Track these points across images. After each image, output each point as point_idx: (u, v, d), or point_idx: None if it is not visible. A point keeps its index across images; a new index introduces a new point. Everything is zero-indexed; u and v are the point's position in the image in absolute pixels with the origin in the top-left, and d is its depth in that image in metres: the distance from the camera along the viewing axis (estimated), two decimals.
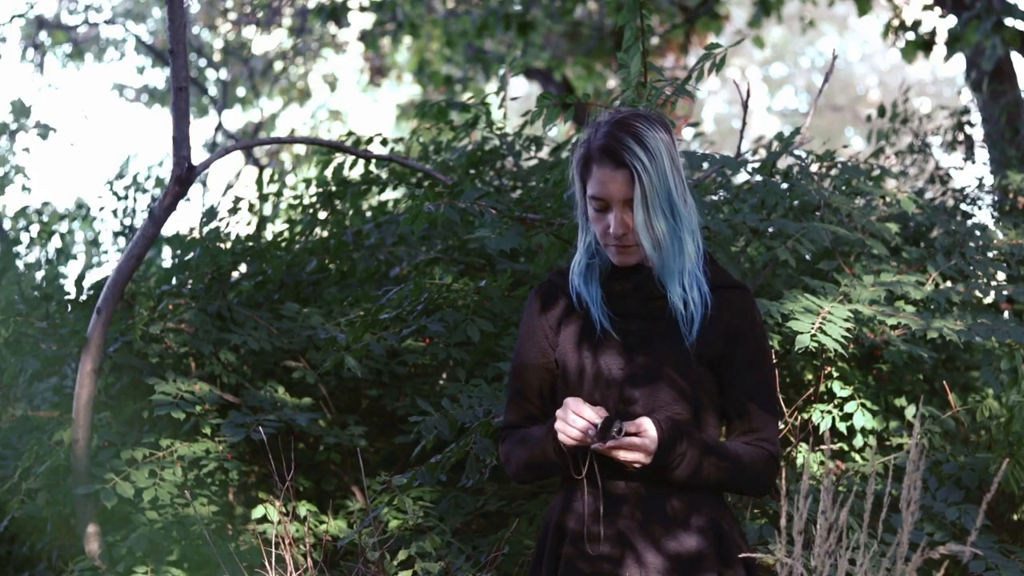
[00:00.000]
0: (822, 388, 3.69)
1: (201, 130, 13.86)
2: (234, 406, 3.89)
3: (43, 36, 12.21)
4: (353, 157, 4.55)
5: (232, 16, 12.65)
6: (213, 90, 12.85)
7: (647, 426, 2.33)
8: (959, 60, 7.45)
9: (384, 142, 4.70)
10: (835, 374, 3.70)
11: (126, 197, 5.60)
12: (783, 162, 4.03)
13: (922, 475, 2.87)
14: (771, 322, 3.34)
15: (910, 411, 3.78)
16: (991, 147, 6.55)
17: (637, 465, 2.35)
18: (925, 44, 7.56)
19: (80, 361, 3.79)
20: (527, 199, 3.94)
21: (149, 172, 5.57)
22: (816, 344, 3.12)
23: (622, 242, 2.43)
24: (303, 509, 3.74)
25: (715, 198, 3.92)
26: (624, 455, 2.33)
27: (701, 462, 2.38)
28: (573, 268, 2.52)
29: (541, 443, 2.45)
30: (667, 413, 2.40)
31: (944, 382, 3.87)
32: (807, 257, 4.04)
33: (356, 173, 4.65)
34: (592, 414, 2.33)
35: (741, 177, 4.12)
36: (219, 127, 12.49)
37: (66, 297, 4.30)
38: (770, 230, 3.74)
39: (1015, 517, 3.61)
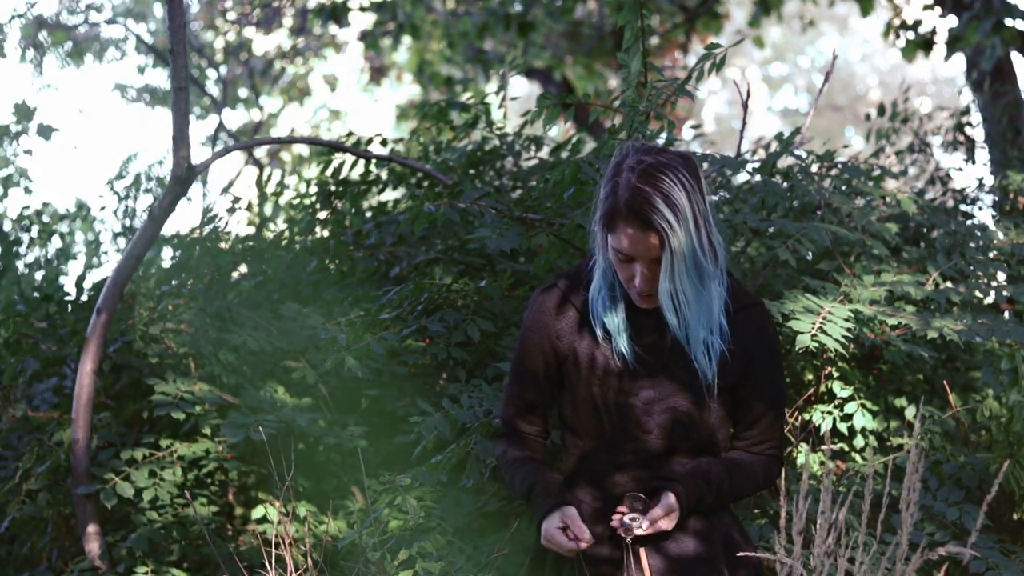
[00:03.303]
0: (822, 388, 3.69)
1: (201, 130, 13.84)
2: (234, 406, 3.88)
3: (43, 36, 12.20)
4: (353, 157, 4.55)
5: (232, 16, 12.64)
6: (213, 90, 12.85)
7: (668, 502, 2.38)
8: (959, 60, 7.45)
9: (384, 142, 4.70)
10: (835, 374, 3.70)
11: (127, 197, 5.60)
12: (783, 162, 4.03)
13: (922, 475, 2.87)
14: None
15: (910, 411, 3.78)
16: (991, 147, 6.55)
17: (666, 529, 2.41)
18: (925, 44, 7.57)
19: (80, 361, 3.79)
20: (527, 199, 3.94)
21: (150, 172, 5.57)
22: (816, 344, 3.12)
23: (647, 292, 2.41)
24: (303, 509, 3.74)
25: (715, 198, 3.92)
26: (657, 524, 2.39)
27: (718, 501, 2.46)
28: (593, 295, 2.48)
29: (536, 505, 2.48)
30: (669, 404, 2.40)
31: (944, 382, 3.87)
32: (807, 257, 4.04)
33: (356, 173, 4.65)
34: (585, 531, 2.38)
35: (741, 177, 4.12)
36: (219, 127, 12.49)
37: (66, 297, 4.30)
38: (770, 230, 3.74)
39: (1015, 517, 3.61)
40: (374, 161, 4.55)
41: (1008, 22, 6.88)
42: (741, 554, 2.41)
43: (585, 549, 2.38)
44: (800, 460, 3.59)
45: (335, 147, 4.42)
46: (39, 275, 4.95)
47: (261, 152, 12.98)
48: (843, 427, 3.66)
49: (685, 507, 2.38)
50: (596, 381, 2.43)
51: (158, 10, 12.71)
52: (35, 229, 5.87)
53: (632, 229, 2.33)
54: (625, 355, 2.42)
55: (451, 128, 4.56)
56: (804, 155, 3.92)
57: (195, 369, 4.06)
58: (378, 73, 13.97)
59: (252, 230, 5.09)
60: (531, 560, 2.56)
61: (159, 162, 5.70)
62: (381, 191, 4.68)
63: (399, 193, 4.93)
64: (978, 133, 6.28)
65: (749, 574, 2.45)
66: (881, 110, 6.06)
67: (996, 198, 5.05)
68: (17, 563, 4.18)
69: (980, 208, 4.99)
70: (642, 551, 2.37)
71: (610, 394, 2.42)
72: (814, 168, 3.98)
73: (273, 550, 3.12)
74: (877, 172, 4.38)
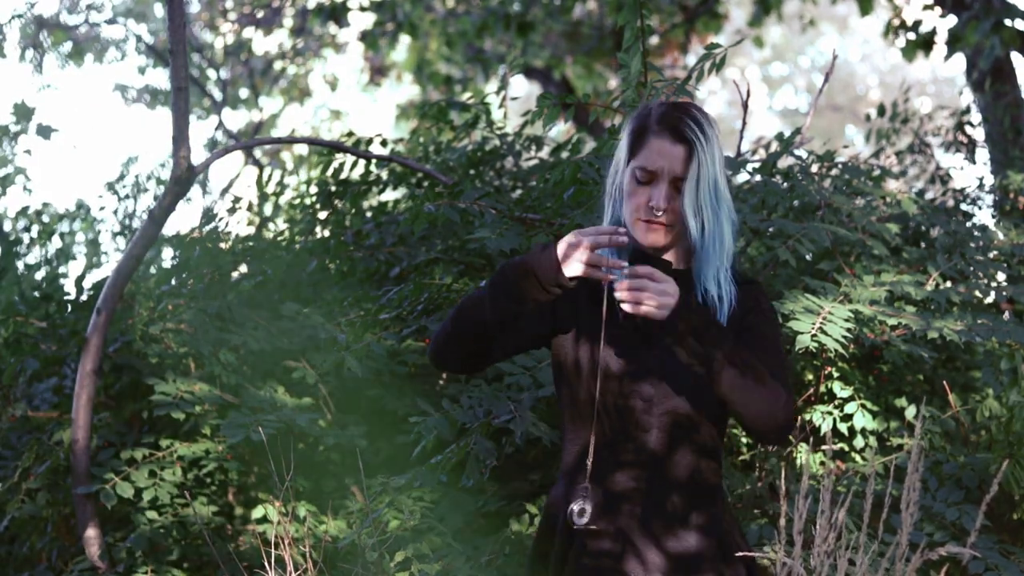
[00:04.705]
0: (822, 389, 3.69)
1: (202, 131, 13.86)
2: (234, 406, 3.88)
3: (43, 36, 12.20)
4: (353, 157, 4.55)
5: (232, 16, 12.65)
6: (213, 90, 12.85)
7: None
8: (959, 60, 7.45)
9: (384, 142, 4.70)
10: (835, 374, 3.70)
11: (127, 197, 5.61)
12: (783, 162, 4.03)
13: (922, 475, 2.87)
14: None
15: (910, 411, 3.78)
16: (992, 147, 6.55)
17: (665, 311, 2.25)
18: (925, 44, 7.57)
19: (80, 361, 3.79)
20: (527, 199, 3.94)
21: (151, 173, 5.57)
22: (816, 344, 3.12)
23: (657, 219, 2.37)
24: (303, 509, 3.74)
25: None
26: (650, 297, 2.23)
27: (722, 334, 2.29)
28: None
29: (516, 272, 2.31)
30: (667, 407, 2.39)
31: (944, 382, 3.87)
32: (807, 257, 4.04)
33: (356, 173, 4.65)
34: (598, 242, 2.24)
35: (741, 177, 4.12)
36: (219, 127, 12.49)
37: (66, 297, 4.30)
38: (770, 230, 3.74)
39: (1015, 517, 3.61)
40: (374, 161, 4.55)
41: (1008, 22, 6.88)
42: (740, 554, 2.40)
43: (586, 545, 2.39)
44: (800, 460, 3.59)
45: (335, 147, 4.42)
46: (39, 275, 4.95)
47: (261, 152, 12.98)
48: (843, 427, 3.66)
49: (682, 296, 2.25)
50: (595, 383, 2.43)
51: (158, 10, 12.71)
52: (35, 229, 5.88)
53: (662, 140, 2.36)
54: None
55: (451, 128, 4.56)
56: (804, 155, 3.92)
57: (195, 369, 4.06)
58: (378, 73, 13.97)
59: (252, 230, 5.09)
60: (533, 555, 2.55)
61: (161, 165, 5.70)
62: (381, 191, 4.68)
63: (399, 193, 4.93)
64: (978, 133, 6.28)
65: (744, 572, 2.44)
66: (881, 110, 6.06)
67: (996, 198, 5.05)
68: (17, 563, 4.18)
69: (980, 208, 4.99)
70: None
71: (609, 396, 2.42)
72: (814, 168, 3.98)
73: (273, 550, 3.12)
74: (877, 172, 4.38)
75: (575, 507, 2.38)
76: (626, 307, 2.26)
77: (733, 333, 2.37)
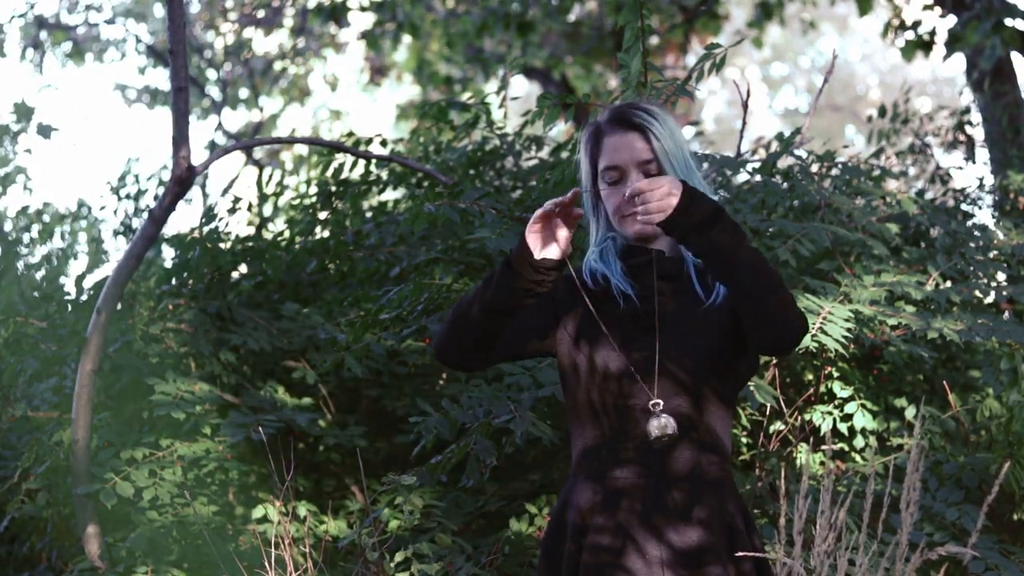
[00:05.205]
0: (822, 388, 3.69)
1: (202, 131, 13.86)
2: (234, 406, 3.89)
3: (43, 36, 12.21)
4: (353, 157, 4.55)
5: (232, 16, 12.65)
6: (213, 90, 12.85)
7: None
8: (959, 60, 7.45)
9: (384, 142, 4.70)
10: (835, 374, 3.70)
11: (128, 197, 5.61)
12: (783, 162, 4.03)
13: (922, 475, 2.87)
14: None
15: (910, 411, 3.78)
16: (992, 147, 6.55)
17: (668, 211, 2.23)
18: (925, 44, 7.57)
19: (80, 361, 3.79)
20: (527, 199, 3.94)
21: (152, 175, 5.57)
22: (816, 344, 3.12)
23: (636, 206, 2.33)
24: (303, 509, 3.74)
25: (715, 198, 3.92)
26: (656, 206, 2.23)
27: (736, 226, 2.28)
28: (588, 256, 2.50)
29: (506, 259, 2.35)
30: (668, 407, 2.40)
31: (944, 382, 3.87)
32: (807, 257, 4.04)
33: (356, 173, 4.65)
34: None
35: (741, 177, 4.12)
36: (219, 127, 12.49)
37: (66, 297, 4.30)
38: (770, 230, 3.74)
39: (1015, 517, 3.61)
40: (374, 161, 4.55)
41: (1008, 22, 6.88)
42: (740, 554, 2.40)
43: (587, 540, 2.39)
44: (800, 460, 3.59)
45: (335, 147, 4.42)
46: (39, 275, 4.95)
47: (261, 152, 12.98)
48: (843, 427, 3.66)
49: (687, 193, 2.25)
50: (595, 386, 2.44)
51: (158, 10, 12.71)
52: (35, 229, 5.88)
53: (615, 135, 2.41)
54: (626, 294, 2.42)
55: (451, 128, 4.56)
56: (804, 155, 3.92)
57: (195, 369, 4.06)
58: (378, 73, 13.97)
59: (252, 230, 5.08)
60: (541, 552, 2.55)
61: (164, 167, 5.70)
62: (381, 191, 4.68)
63: (399, 193, 4.93)
64: (978, 133, 6.28)
65: (753, 565, 2.44)
66: (882, 111, 6.06)
67: (996, 198, 5.05)
68: (17, 563, 4.18)
69: (980, 208, 4.99)
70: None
71: (609, 398, 2.42)
72: (814, 168, 3.98)
73: (273, 550, 3.12)
74: (877, 172, 4.38)
75: (654, 425, 2.34)
76: (646, 228, 2.34)
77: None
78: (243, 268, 4.58)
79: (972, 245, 3.95)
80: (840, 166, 3.96)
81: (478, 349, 2.46)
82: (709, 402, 2.43)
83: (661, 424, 2.36)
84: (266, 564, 3.12)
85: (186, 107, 3.74)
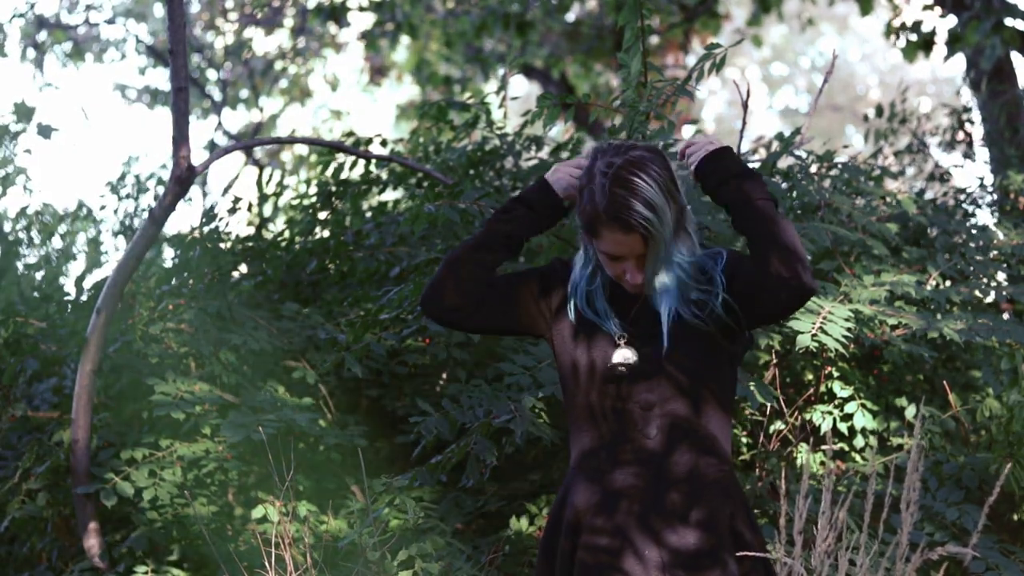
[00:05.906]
0: (822, 388, 3.69)
1: (202, 131, 13.86)
2: (234, 406, 3.88)
3: (43, 36, 12.21)
4: (353, 157, 4.55)
5: (233, 16, 12.65)
6: (214, 91, 12.85)
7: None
8: (959, 60, 7.45)
9: (384, 142, 4.70)
10: (835, 374, 3.70)
11: (128, 197, 5.60)
12: (783, 162, 4.03)
13: (922, 475, 2.87)
14: None
15: (910, 411, 3.78)
16: (991, 147, 6.55)
17: (713, 147, 2.50)
18: (925, 44, 7.56)
19: (80, 361, 3.79)
20: None
21: (152, 175, 5.57)
22: (816, 344, 3.12)
23: (640, 281, 2.46)
24: (303, 509, 3.74)
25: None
26: (701, 147, 2.51)
27: (754, 183, 2.47)
28: (578, 287, 2.52)
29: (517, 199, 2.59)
30: (666, 410, 2.40)
31: (944, 382, 3.87)
32: (807, 257, 4.04)
33: (356, 173, 4.65)
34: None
35: None
36: (219, 127, 12.49)
37: (66, 297, 4.30)
38: None
39: (1015, 517, 3.61)
40: (374, 161, 4.55)
41: (1008, 22, 6.88)
42: (740, 554, 2.40)
43: (585, 540, 2.40)
44: (800, 460, 3.59)
45: (335, 147, 4.42)
46: (39, 275, 4.95)
47: (261, 152, 12.98)
48: (843, 427, 3.66)
49: (726, 147, 2.50)
50: (594, 389, 2.44)
51: (158, 10, 12.71)
52: (35, 229, 5.87)
53: (615, 234, 2.40)
54: (615, 331, 2.46)
55: (451, 128, 4.56)
56: (804, 155, 3.92)
57: (195, 369, 4.06)
58: (378, 73, 13.97)
59: (252, 230, 5.08)
60: (539, 551, 2.55)
61: (163, 166, 5.70)
62: (381, 191, 4.68)
63: (399, 193, 4.93)
64: (977, 132, 6.28)
65: (756, 565, 2.43)
66: (879, 110, 6.06)
67: (996, 198, 5.05)
68: (17, 563, 4.18)
69: (980, 208, 4.99)
70: None
71: (607, 401, 2.43)
72: (814, 168, 3.98)
73: (273, 550, 3.12)
74: (877, 172, 4.38)
75: (618, 354, 2.42)
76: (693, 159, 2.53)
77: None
78: (243, 268, 4.58)
79: (972, 245, 3.95)
80: (840, 166, 3.96)
81: (467, 294, 2.51)
82: (707, 404, 2.43)
83: (624, 355, 2.42)
84: (266, 564, 3.12)
85: (186, 107, 3.74)
